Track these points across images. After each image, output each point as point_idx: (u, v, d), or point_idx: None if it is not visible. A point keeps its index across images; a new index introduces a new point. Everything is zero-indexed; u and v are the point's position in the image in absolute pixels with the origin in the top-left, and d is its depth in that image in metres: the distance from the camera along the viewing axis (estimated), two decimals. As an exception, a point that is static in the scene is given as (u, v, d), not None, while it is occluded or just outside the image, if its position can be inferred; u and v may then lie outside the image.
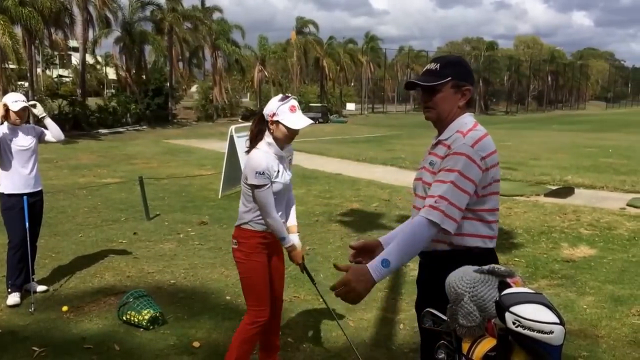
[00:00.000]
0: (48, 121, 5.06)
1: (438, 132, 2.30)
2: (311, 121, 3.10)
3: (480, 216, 2.18)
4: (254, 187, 3.05)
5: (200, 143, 24.24)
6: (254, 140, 3.13)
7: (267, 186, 3.03)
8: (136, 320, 4.26)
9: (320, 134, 32.41)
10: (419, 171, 2.34)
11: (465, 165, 2.07)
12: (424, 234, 2.05)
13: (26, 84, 31.41)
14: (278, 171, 3.09)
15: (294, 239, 3.28)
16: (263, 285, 3.20)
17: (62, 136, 5.17)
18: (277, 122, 3.04)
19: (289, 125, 3.02)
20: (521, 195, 10.09)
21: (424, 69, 2.28)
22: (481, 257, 2.12)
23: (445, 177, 2.08)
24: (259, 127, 3.13)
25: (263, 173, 3.01)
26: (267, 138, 3.09)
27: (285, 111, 3.03)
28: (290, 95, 3.19)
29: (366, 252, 2.33)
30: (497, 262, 2.03)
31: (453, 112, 2.23)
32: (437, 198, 2.05)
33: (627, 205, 9.15)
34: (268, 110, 3.08)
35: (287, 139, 3.10)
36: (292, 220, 3.36)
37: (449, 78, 2.19)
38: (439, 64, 2.23)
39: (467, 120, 2.24)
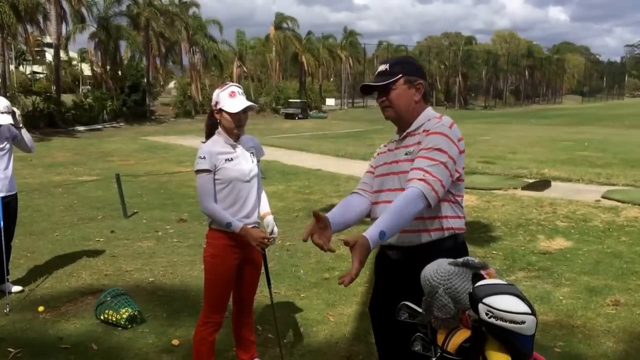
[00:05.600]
0: (24, 131, 4.93)
1: (401, 129, 2.36)
2: (249, 103, 3.05)
3: (457, 200, 2.28)
4: (195, 173, 3.05)
5: (179, 139, 24.04)
6: (209, 135, 3.16)
7: (206, 173, 3.02)
8: (114, 319, 4.22)
9: (300, 130, 32.40)
10: (386, 166, 2.38)
11: (445, 143, 2.15)
12: (416, 206, 2.05)
13: (-1, 81, 30.79)
14: (231, 159, 3.07)
15: (269, 220, 3.28)
16: (222, 290, 3.19)
17: (32, 150, 5.08)
18: (220, 111, 3.04)
19: (228, 110, 3.00)
20: (499, 189, 10.20)
21: (377, 72, 2.37)
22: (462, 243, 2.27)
23: (428, 153, 2.14)
24: (211, 120, 3.15)
25: (204, 158, 3.01)
26: (218, 129, 3.12)
27: (225, 98, 3.03)
28: (230, 82, 3.20)
29: (321, 228, 2.25)
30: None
31: (412, 107, 2.30)
32: (424, 172, 2.09)
33: (602, 197, 9.30)
34: (212, 101, 3.10)
35: (233, 125, 3.06)
36: (265, 207, 3.34)
37: (400, 75, 2.27)
38: (388, 64, 2.33)
39: (432, 112, 2.33)
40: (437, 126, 2.19)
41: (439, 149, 2.13)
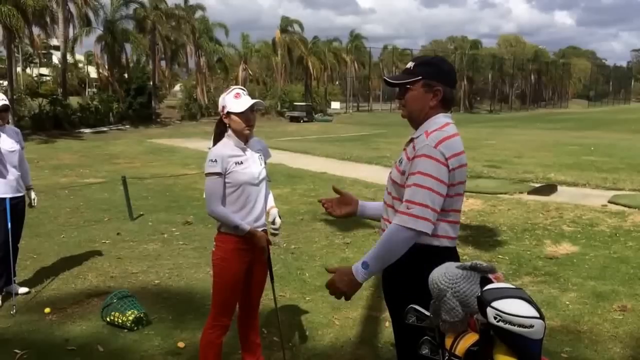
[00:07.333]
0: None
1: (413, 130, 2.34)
2: (255, 100, 3.09)
3: (445, 216, 2.18)
4: (205, 175, 3.06)
5: (184, 142, 24.09)
6: (217, 142, 3.17)
7: (217, 176, 3.03)
8: (120, 321, 4.22)
9: (305, 133, 32.41)
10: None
11: (429, 166, 2.09)
12: (399, 238, 2.09)
13: (5, 83, 30.96)
14: (241, 162, 3.09)
15: (273, 211, 3.34)
16: (231, 293, 3.21)
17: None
18: (229, 114, 3.07)
19: (236, 110, 3.03)
20: (505, 193, 10.18)
21: (404, 68, 2.33)
22: (440, 256, 2.09)
23: (412, 180, 2.12)
24: (220, 128, 3.17)
25: (215, 161, 3.03)
26: (228, 133, 3.14)
27: (230, 100, 3.06)
28: (233, 86, 3.26)
29: (342, 202, 2.56)
30: (458, 261, 2.07)
31: (425, 111, 2.25)
32: (407, 203, 2.11)
33: (609, 202, 9.26)
34: (219, 107, 3.13)
35: (243, 127, 3.08)
36: (271, 202, 3.38)
37: (419, 77, 2.22)
38: (413, 63, 2.29)
39: (438, 120, 2.24)
40: (421, 147, 2.13)
41: (422, 173, 2.09)
